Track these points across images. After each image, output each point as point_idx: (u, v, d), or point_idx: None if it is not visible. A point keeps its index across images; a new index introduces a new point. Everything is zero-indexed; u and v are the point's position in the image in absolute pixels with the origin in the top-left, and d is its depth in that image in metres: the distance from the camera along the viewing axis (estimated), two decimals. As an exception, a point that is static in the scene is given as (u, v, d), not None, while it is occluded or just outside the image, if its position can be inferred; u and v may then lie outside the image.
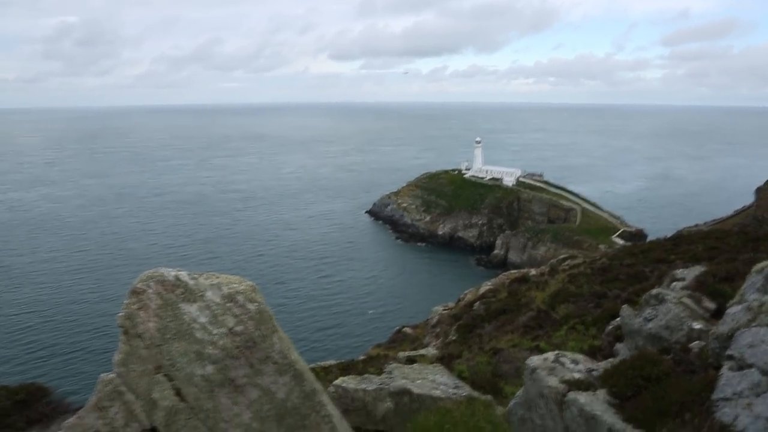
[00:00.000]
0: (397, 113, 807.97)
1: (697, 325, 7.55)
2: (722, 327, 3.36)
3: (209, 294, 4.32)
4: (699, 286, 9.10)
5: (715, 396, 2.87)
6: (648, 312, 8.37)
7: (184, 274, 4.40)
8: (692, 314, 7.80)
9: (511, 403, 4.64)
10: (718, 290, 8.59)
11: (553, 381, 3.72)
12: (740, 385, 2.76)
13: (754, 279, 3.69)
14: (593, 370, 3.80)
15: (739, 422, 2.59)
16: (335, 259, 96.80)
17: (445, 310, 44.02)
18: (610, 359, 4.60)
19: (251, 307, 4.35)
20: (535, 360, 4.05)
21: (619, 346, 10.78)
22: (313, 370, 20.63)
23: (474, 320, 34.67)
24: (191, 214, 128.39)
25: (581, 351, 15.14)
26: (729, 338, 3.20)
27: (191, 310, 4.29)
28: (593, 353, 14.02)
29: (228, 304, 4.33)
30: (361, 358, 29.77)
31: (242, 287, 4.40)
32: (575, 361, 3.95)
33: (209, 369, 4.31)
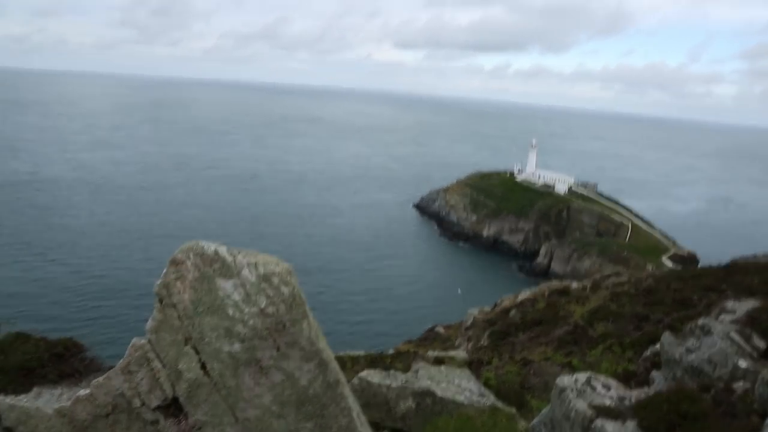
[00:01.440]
0: (456, 108, 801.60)
1: (743, 364, 7.16)
2: (772, 373, 3.13)
3: (245, 272, 4.35)
4: (750, 322, 8.63)
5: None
6: (691, 342, 8.00)
7: (223, 249, 4.43)
8: (739, 351, 7.40)
9: (535, 420, 4.49)
10: (770, 329, 8.10)
11: (581, 405, 3.56)
12: (785, 440, 2.56)
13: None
14: (625, 398, 3.62)
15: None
16: (377, 251, 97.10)
17: (480, 313, 43.64)
18: (645, 389, 4.38)
19: (285, 289, 4.35)
20: (565, 380, 3.89)
21: (655, 374, 10.36)
22: (340, 358, 20.83)
23: (508, 328, 34.21)
24: (242, 190, 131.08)
25: (615, 374, 14.68)
26: (778, 386, 2.97)
27: (226, 286, 4.33)
28: (627, 378, 13.55)
29: (263, 285, 4.34)
30: (391, 352, 29.85)
31: (279, 269, 4.41)
32: (607, 386, 3.77)
33: (236, 347, 4.34)
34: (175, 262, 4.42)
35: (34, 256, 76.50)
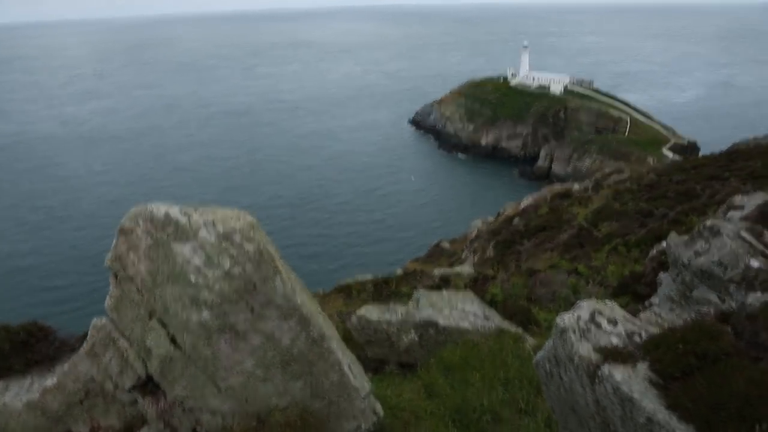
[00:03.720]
0: (444, 16, 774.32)
1: (755, 263, 6.82)
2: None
3: (203, 233, 3.90)
4: (761, 218, 8.25)
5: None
6: (700, 245, 7.64)
7: (175, 211, 3.97)
8: (751, 250, 7.05)
9: (539, 355, 4.17)
10: (783, 223, 7.73)
11: (585, 348, 3.21)
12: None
13: None
14: (634, 333, 3.25)
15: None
16: (377, 171, 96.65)
17: (484, 224, 43.65)
18: (654, 315, 4.03)
19: (249, 246, 3.92)
20: (566, 319, 3.51)
21: (663, 275, 10.11)
22: (348, 285, 20.75)
23: (513, 236, 34.23)
24: (238, 125, 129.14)
25: (622, 276, 14.56)
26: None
27: (184, 250, 3.90)
28: (636, 279, 13.43)
29: (224, 244, 3.91)
30: (399, 272, 30.00)
31: (239, 224, 3.95)
32: (613, 321, 3.40)
33: (206, 314, 3.97)
34: (124, 231, 3.98)
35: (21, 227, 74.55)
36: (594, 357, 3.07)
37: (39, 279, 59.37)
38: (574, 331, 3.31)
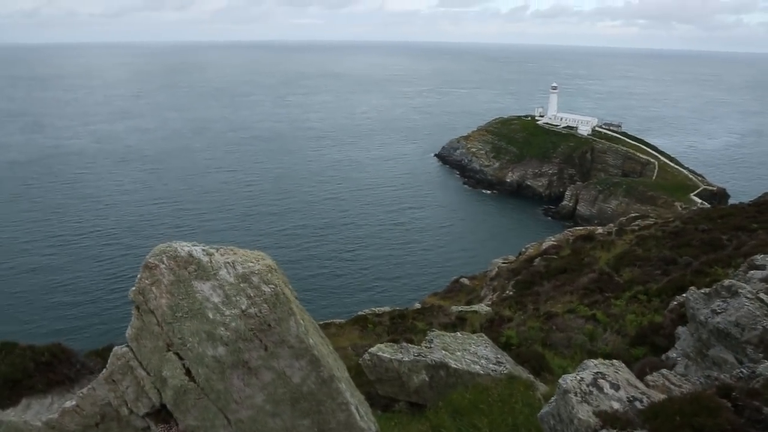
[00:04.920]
0: (474, 55, 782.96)
1: (772, 324, 6.77)
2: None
3: (223, 273, 4.09)
4: (780, 279, 8.17)
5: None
6: (718, 304, 7.60)
7: (198, 250, 4.17)
8: (768, 311, 7.00)
9: (544, 410, 4.23)
10: (802, 285, 7.66)
11: (584, 412, 3.26)
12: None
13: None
14: (636, 400, 3.30)
15: None
16: (401, 203, 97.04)
17: (504, 263, 43.38)
18: (661, 379, 4.05)
19: (266, 289, 4.09)
20: (569, 380, 3.58)
21: (681, 329, 10.02)
22: (365, 317, 20.78)
23: (533, 277, 33.92)
24: (266, 150, 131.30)
25: (640, 326, 14.36)
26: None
27: (204, 288, 4.09)
28: (654, 330, 13.26)
29: (242, 285, 4.09)
30: (416, 306, 29.92)
31: (258, 267, 4.14)
32: (615, 386, 3.45)
33: (221, 350, 4.13)
34: (148, 267, 4.19)
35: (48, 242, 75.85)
36: (593, 421, 3.13)
37: (61, 294, 60.34)
38: (576, 393, 3.37)
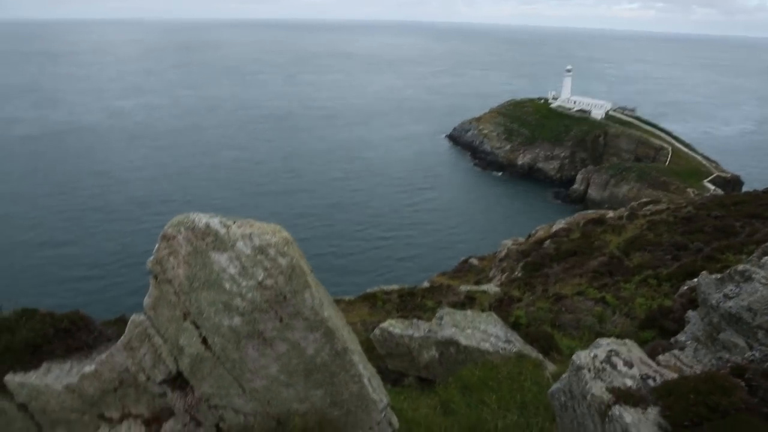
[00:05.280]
0: (488, 36, 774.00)
1: (784, 309, 6.73)
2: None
3: (240, 245, 4.14)
4: (794, 264, 8.11)
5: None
6: (730, 288, 7.57)
7: (215, 222, 4.22)
8: (781, 296, 6.96)
9: (554, 387, 4.27)
10: (816, 271, 7.59)
11: (598, 388, 3.30)
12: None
13: None
14: (649, 377, 3.33)
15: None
16: (412, 184, 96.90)
17: (514, 244, 43.35)
18: (674, 358, 4.07)
19: (282, 261, 4.14)
20: (582, 357, 3.61)
21: (691, 313, 9.99)
22: (374, 294, 20.90)
23: (542, 259, 33.92)
24: (277, 129, 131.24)
25: (650, 309, 14.36)
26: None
27: (221, 259, 4.14)
28: (664, 314, 13.25)
29: (258, 257, 4.13)
30: (425, 285, 30.05)
31: (275, 239, 4.18)
32: (629, 363, 3.48)
33: (236, 320, 4.20)
34: (166, 237, 4.24)
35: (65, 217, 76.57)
36: (606, 397, 3.16)
37: (74, 268, 61.12)
38: (589, 370, 3.40)
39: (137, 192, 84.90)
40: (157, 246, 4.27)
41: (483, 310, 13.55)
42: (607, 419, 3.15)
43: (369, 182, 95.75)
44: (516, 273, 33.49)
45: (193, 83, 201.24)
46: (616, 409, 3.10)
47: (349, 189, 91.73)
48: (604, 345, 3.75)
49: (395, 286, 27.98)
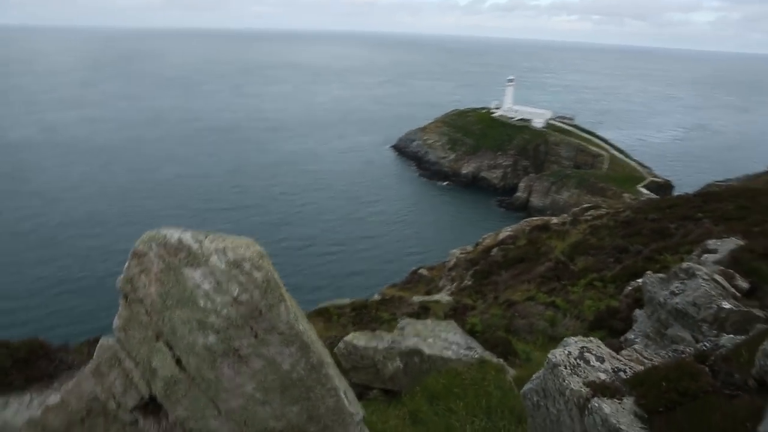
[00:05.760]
0: (432, 46, 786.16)
1: (726, 305, 7.20)
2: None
3: (214, 259, 4.09)
4: (733, 263, 8.66)
5: (762, 429, 2.57)
6: (676, 286, 8.01)
7: (188, 237, 4.15)
8: (723, 292, 7.43)
9: (527, 387, 4.41)
10: (754, 269, 8.15)
11: (576, 383, 3.46)
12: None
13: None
14: (620, 370, 3.52)
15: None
16: (358, 195, 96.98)
17: (462, 253, 44.01)
18: (637, 353, 4.30)
19: (257, 275, 4.11)
20: (558, 355, 3.77)
21: (638, 312, 10.49)
22: (326, 309, 20.83)
23: (491, 267, 34.58)
24: (222, 142, 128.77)
25: (598, 310, 14.92)
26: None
27: (195, 275, 4.07)
28: (611, 314, 13.79)
29: (233, 271, 4.09)
30: (376, 298, 30.11)
31: (249, 253, 4.15)
32: (601, 358, 3.66)
33: (211, 338, 4.14)
34: (137, 254, 4.14)
35: None
36: (584, 391, 3.32)
37: (7, 298, 57.39)
38: (566, 366, 3.55)
39: (73, 212, 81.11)
40: (126, 264, 4.15)
41: (439, 319, 13.72)
42: (586, 412, 3.30)
43: (316, 195, 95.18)
44: (466, 281, 34.02)
45: (133, 95, 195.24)
46: (595, 402, 3.26)
47: (296, 203, 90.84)
48: (574, 343, 3.93)
49: (347, 300, 27.88)
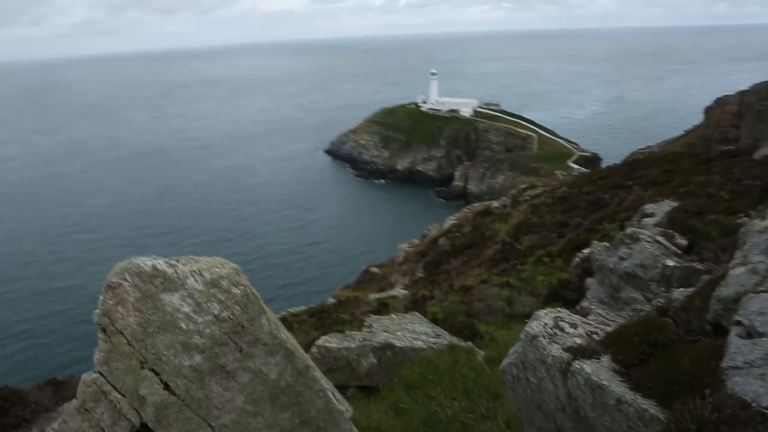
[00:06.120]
0: (352, 48, 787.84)
1: (670, 263, 7.72)
2: (726, 290, 3.35)
3: (190, 282, 4.10)
4: (671, 223, 9.27)
5: (725, 364, 2.86)
6: (623, 251, 8.51)
7: (161, 263, 4.15)
8: (666, 251, 7.96)
9: (505, 362, 4.63)
10: (689, 226, 8.76)
11: (556, 350, 3.70)
12: (752, 354, 2.74)
13: (756, 239, 3.68)
14: (593, 333, 3.79)
15: (752, 391, 2.59)
16: (298, 204, 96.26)
17: (410, 247, 44.54)
18: (604, 318, 4.62)
19: (236, 291, 4.17)
20: (534, 327, 4.00)
21: (589, 281, 11.03)
22: (284, 319, 20.75)
23: (440, 256, 35.22)
24: (149, 167, 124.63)
25: (551, 285, 15.53)
26: (735, 302, 3.19)
27: (173, 300, 4.08)
28: (564, 286, 14.38)
29: (212, 290, 4.12)
30: (332, 301, 30.10)
31: (225, 271, 4.20)
32: (574, 325, 3.92)
33: (197, 359, 4.15)
34: (111, 287, 4.10)
35: None
36: (565, 356, 3.56)
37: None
38: (544, 337, 3.79)
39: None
40: (102, 297, 4.10)
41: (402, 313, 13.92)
42: (569, 375, 3.54)
43: (254, 209, 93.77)
44: (418, 274, 34.49)
45: (48, 128, 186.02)
46: (576, 364, 3.50)
47: (234, 219, 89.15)
48: (545, 315, 4.18)
49: (303, 307, 27.74)
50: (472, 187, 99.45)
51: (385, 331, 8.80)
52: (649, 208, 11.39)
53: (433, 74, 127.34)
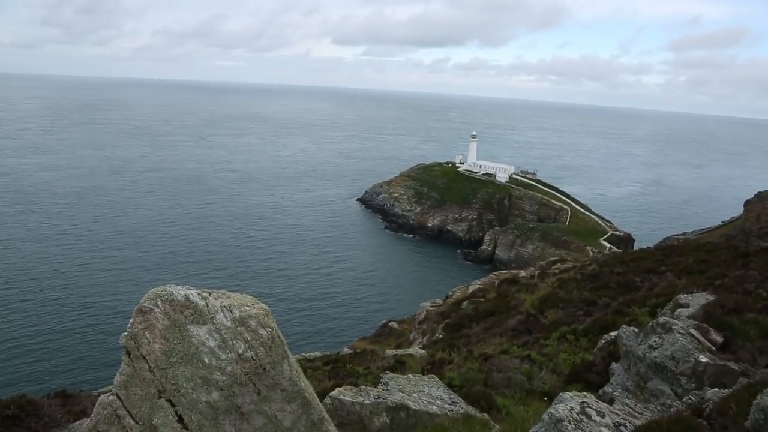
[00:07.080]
0: (397, 102, 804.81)
1: (703, 358, 7.43)
2: (767, 398, 3.19)
3: (220, 317, 4.11)
4: (706, 317, 8.98)
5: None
6: (654, 339, 8.24)
7: (194, 294, 4.18)
8: (699, 346, 7.68)
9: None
10: (726, 323, 8.47)
11: (580, 439, 3.54)
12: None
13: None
14: (621, 425, 3.63)
15: None
16: (325, 248, 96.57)
17: (432, 306, 43.99)
18: (633, 411, 4.42)
19: (263, 332, 4.15)
20: (560, 410, 3.86)
21: (615, 366, 10.65)
22: (298, 362, 20.51)
23: (462, 320, 34.60)
24: (186, 193, 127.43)
25: (574, 365, 15.05)
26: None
27: (200, 332, 4.08)
28: (587, 368, 13.92)
29: (239, 329, 4.12)
30: (347, 351, 29.72)
31: (254, 311, 4.20)
32: (601, 413, 3.77)
33: (215, 395, 4.11)
34: (142, 311, 4.14)
35: None
36: (590, 446, 3.41)
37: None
38: (569, 422, 3.64)
39: (30, 257, 78.50)
40: (131, 320, 4.13)
41: (417, 374, 13.63)
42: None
43: (281, 249, 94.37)
44: (437, 335, 33.89)
45: (98, 143, 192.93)
46: (603, 460, 3.34)
47: (261, 257, 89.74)
48: (571, 398, 4.03)
49: (317, 353, 27.45)
50: (501, 253, 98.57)
51: (401, 391, 8.60)
52: (683, 298, 11.07)
53: (474, 136, 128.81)
